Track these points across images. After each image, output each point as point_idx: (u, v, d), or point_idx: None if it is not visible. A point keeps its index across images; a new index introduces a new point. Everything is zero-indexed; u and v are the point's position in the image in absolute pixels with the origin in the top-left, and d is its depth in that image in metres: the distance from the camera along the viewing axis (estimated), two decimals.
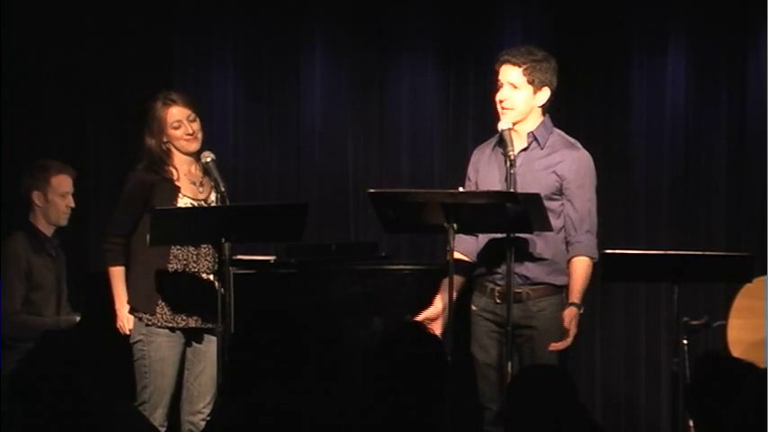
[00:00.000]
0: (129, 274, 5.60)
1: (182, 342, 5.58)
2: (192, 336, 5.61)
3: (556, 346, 5.31)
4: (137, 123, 5.80)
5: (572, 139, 5.54)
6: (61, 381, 3.36)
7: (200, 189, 5.65)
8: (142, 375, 5.55)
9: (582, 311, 5.38)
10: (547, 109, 5.51)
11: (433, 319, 5.39)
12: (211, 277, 5.53)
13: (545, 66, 5.43)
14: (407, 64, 7.58)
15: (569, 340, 5.33)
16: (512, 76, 5.43)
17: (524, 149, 5.46)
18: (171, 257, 5.54)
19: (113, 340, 5.61)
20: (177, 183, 5.59)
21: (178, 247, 5.54)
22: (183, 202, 5.57)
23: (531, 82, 5.42)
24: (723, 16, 7.49)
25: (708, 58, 7.55)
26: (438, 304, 5.44)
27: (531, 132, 5.46)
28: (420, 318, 5.40)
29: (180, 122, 5.60)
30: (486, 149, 5.58)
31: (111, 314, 5.62)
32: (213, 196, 5.63)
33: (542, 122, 5.49)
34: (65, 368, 3.40)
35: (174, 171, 5.60)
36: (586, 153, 5.51)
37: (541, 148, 5.46)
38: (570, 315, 5.33)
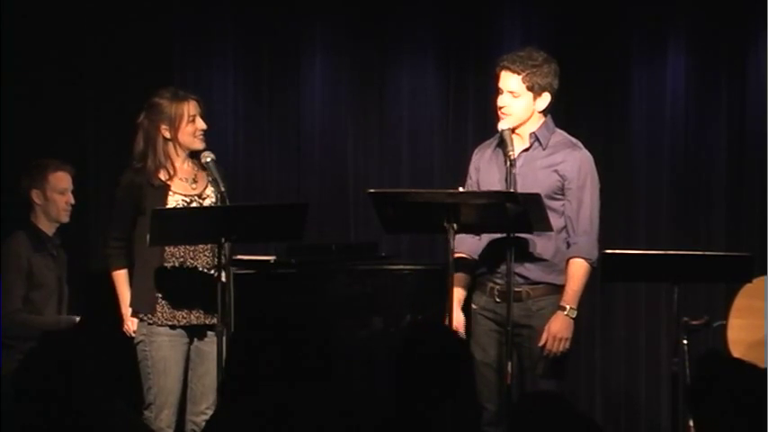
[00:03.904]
0: (131, 275, 5.60)
1: (184, 341, 5.57)
2: (196, 333, 5.59)
3: (548, 349, 5.34)
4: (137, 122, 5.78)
5: (574, 139, 5.54)
6: (60, 381, 3.36)
7: (194, 186, 5.62)
8: (146, 376, 5.54)
9: (575, 315, 5.38)
10: (548, 110, 5.50)
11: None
12: (212, 272, 5.51)
13: (545, 70, 5.42)
14: (407, 64, 7.58)
15: (561, 346, 5.35)
16: (511, 84, 5.42)
17: (526, 150, 5.46)
18: (168, 255, 5.52)
19: (114, 341, 5.60)
20: (168, 182, 5.56)
21: None
22: (174, 200, 5.54)
23: (530, 88, 5.41)
24: (723, 16, 7.49)
25: (708, 58, 7.56)
26: (459, 315, 5.46)
27: (533, 133, 5.47)
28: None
29: (195, 117, 5.58)
30: (487, 149, 5.58)
31: (115, 316, 5.62)
32: (209, 191, 5.61)
33: (544, 123, 5.49)
34: (64, 368, 3.40)
35: (165, 170, 5.57)
36: (588, 153, 5.51)
37: (543, 148, 5.46)
38: (557, 323, 5.35)
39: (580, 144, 5.53)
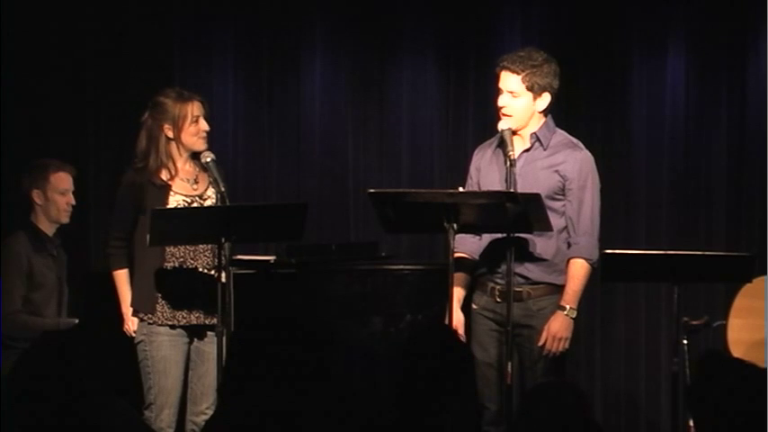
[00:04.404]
0: (132, 275, 5.60)
1: (184, 341, 5.57)
2: (195, 334, 5.60)
3: (547, 348, 5.35)
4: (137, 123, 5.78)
5: (575, 140, 5.54)
6: (59, 381, 3.36)
7: (195, 186, 5.62)
8: (147, 376, 5.54)
9: (575, 315, 5.39)
10: (549, 110, 5.50)
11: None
12: (212, 272, 5.51)
13: (545, 70, 5.42)
14: (407, 64, 7.58)
15: (560, 346, 5.36)
16: (511, 84, 5.42)
17: (527, 150, 5.47)
18: (168, 255, 5.52)
19: (114, 341, 5.60)
20: (169, 182, 5.56)
21: None
22: (175, 200, 5.53)
23: (530, 89, 5.41)
24: (723, 17, 7.49)
25: (708, 59, 7.56)
26: (459, 315, 5.46)
27: (534, 133, 5.47)
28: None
29: (198, 118, 5.57)
30: (488, 149, 5.58)
31: (115, 316, 5.62)
32: (210, 192, 5.61)
33: (544, 123, 5.49)
34: (63, 368, 3.39)
35: (167, 170, 5.57)
36: (589, 154, 5.51)
37: (544, 149, 5.46)
38: (557, 322, 5.35)
39: (581, 144, 5.54)
